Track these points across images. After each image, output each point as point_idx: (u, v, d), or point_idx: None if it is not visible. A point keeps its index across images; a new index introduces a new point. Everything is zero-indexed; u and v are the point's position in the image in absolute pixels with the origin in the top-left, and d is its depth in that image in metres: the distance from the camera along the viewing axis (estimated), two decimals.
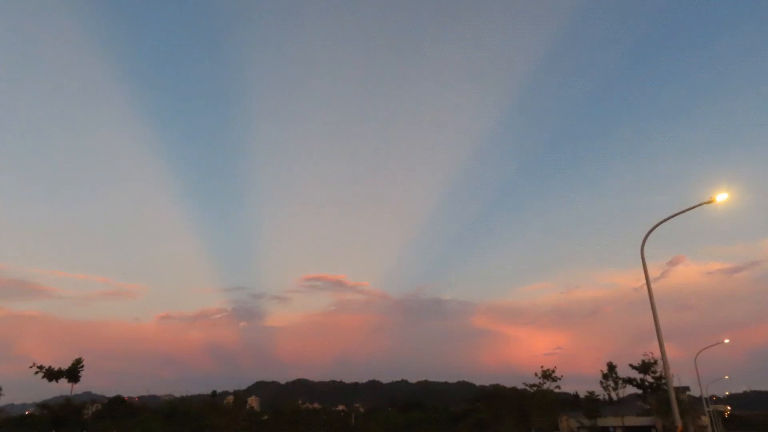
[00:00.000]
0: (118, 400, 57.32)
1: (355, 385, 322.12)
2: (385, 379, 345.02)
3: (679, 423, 23.66)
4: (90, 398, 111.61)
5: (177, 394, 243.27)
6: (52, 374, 55.73)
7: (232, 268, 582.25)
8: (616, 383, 73.21)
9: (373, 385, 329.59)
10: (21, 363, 45.90)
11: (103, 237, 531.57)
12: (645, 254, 25.12)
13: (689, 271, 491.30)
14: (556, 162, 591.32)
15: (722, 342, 66.88)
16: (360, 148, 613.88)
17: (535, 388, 69.69)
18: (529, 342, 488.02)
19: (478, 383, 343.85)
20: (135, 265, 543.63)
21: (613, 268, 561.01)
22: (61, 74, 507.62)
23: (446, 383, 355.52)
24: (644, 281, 24.63)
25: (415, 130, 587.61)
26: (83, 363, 57.61)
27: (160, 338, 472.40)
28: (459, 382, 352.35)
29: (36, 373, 55.72)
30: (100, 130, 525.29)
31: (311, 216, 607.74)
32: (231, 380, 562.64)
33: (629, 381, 72.74)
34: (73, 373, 56.71)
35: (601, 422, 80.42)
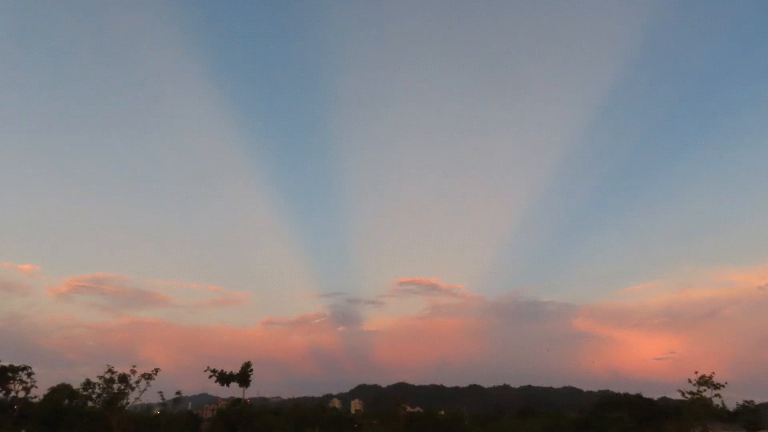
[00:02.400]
0: (238, 402, 59.14)
1: (457, 389, 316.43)
2: (486, 383, 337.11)
3: None
4: (207, 400, 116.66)
5: (284, 397, 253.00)
6: (224, 378, 57.94)
7: (329, 274, 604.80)
8: None
9: (475, 389, 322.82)
10: (144, 366, 47.94)
11: (211, 249, 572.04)
12: None
13: None
14: (661, 155, 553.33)
15: None
16: (453, 149, 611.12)
17: (691, 396, 61.34)
18: (637, 346, 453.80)
19: (585, 389, 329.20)
20: (240, 274, 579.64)
21: (733, 265, 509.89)
22: (180, 110, 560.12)
23: (551, 388, 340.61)
24: None
25: (510, 129, 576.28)
26: (252, 368, 59.27)
27: (264, 343, 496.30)
28: (565, 388, 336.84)
29: (210, 377, 58.39)
30: (209, 155, 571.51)
31: (404, 220, 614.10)
32: (334, 383, 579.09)
33: None
34: (244, 377, 58.47)
35: None
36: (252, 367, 58.39)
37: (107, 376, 44.55)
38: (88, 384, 44.05)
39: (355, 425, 72.31)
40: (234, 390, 61.97)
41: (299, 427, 59.34)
